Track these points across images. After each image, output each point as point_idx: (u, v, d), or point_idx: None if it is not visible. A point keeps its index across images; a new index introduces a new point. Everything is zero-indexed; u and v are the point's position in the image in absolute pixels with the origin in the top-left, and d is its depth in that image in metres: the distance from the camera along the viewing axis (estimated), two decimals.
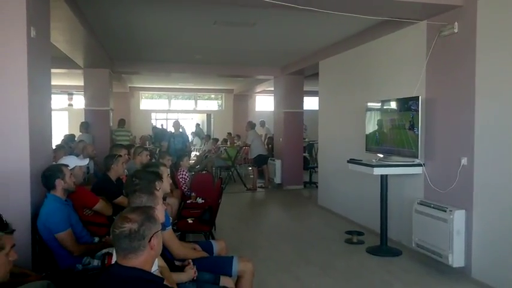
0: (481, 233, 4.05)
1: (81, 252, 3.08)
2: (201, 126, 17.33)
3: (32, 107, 3.21)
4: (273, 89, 11.03)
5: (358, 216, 6.39)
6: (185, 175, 6.10)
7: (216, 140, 13.67)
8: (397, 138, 4.96)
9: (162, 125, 16.69)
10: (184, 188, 5.95)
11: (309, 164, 10.74)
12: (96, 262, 3.04)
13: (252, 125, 10.18)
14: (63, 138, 9.84)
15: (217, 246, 3.41)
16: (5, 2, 3.10)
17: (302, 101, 10.17)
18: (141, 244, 1.70)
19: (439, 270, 4.41)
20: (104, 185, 4.26)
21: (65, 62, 7.86)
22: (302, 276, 4.36)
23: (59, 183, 3.17)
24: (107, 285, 1.75)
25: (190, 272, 2.66)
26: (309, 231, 6.22)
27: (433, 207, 4.42)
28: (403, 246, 5.15)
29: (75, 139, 8.56)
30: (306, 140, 11.78)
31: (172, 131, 9.81)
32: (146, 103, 17.47)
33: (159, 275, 2.07)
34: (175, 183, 5.72)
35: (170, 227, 3.00)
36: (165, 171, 3.35)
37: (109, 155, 4.68)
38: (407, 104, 4.74)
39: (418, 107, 4.56)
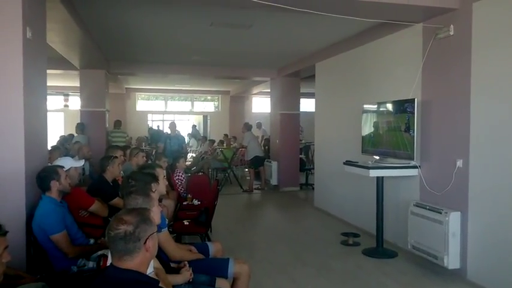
0: (477, 234, 4.06)
1: (76, 254, 3.06)
2: (197, 128, 17.30)
3: (28, 108, 3.19)
4: (269, 90, 11.03)
5: (354, 218, 6.40)
6: (181, 177, 6.09)
7: (213, 141, 13.65)
8: (393, 140, 4.98)
9: (158, 126, 16.66)
10: (181, 189, 5.94)
11: (305, 165, 10.75)
12: (91, 264, 3.02)
13: (248, 127, 10.17)
14: (58, 139, 9.82)
15: (213, 248, 3.40)
16: (0, 3, 3.08)
17: (298, 103, 10.19)
18: (137, 246, 1.70)
19: (435, 272, 4.42)
20: (100, 186, 4.24)
21: (61, 63, 7.84)
22: (298, 277, 4.36)
23: (54, 185, 3.15)
24: (102, 287, 1.74)
25: (186, 274, 2.66)
26: (305, 232, 6.22)
27: (429, 209, 4.44)
28: (398, 248, 5.16)
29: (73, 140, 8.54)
30: (303, 141, 11.80)
31: (169, 132, 9.80)
32: (142, 104, 17.44)
33: (155, 277, 2.06)
34: (171, 185, 5.71)
35: (166, 228, 2.99)
36: (161, 173, 3.35)
37: (105, 157, 4.66)
38: (403, 106, 4.76)
39: (413, 109, 4.57)
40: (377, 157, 5.30)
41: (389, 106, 5.12)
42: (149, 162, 6.35)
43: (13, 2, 3.09)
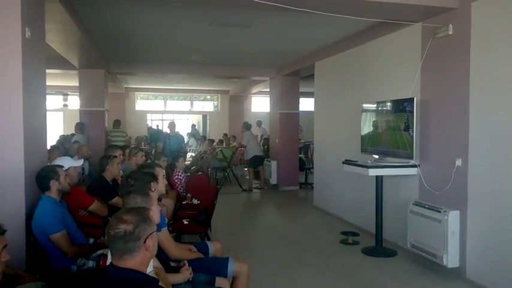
0: (476, 233, 4.07)
1: (76, 254, 3.06)
2: (196, 127, 17.30)
3: (27, 107, 3.20)
4: (268, 90, 11.03)
5: (354, 217, 6.40)
6: (181, 176, 6.09)
7: (212, 141, 13.65)
8: (392, 139, 4.98)
9: (157, 126, 16.66)
10: (180, 189, 5.94)
11: (305, 165, 10.76)
12: (91, 263, 3.03)
13: (247, 126, 10.17)
14: (58, 138, 9.82)
15: (213, 247, 3.41)
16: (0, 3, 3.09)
17: (298, 102, 10.19)
18: (136, 245, 1.70)
19: (434, 271, 4.43)
20: (99, 185, 4.24)
21: (60, 63, 7.84)
22: (297, 276, 4.37)
23: (54, 184, 3.15)
24: (101, 286, 1.74)
25: (186, 273, 2.66)
26: (305, 231, 6.23)
27: (428, 208, 4.44)
28: (398, 247, 5.17)
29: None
30: (302, 141, 11.80)
31: (168, 131, 9.80)
32: (142, 104, 17.43)
33: (155, 276, 2.07)
34: (170, 184, 5.71)
35: (166, 227, 2.99)
36: (160, 172, 3.34)
37: (104, 156, 4.66)
38: (402, 106, 4.77)
39: (413, 108, 4.58)
40: (376, 156, 5.31)
41: (389, 105, 5.12)
42: (148, 161, 6.35)
43: (12, 2, 3.09)
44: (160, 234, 2.66)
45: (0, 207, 3.01)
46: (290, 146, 9.95)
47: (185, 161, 8.20)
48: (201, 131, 17.69)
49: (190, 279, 2.68)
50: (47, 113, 3.91)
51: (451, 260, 4.18)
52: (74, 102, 14.61)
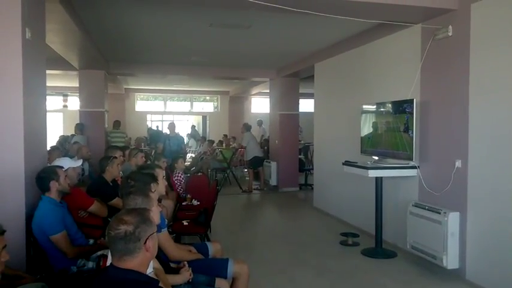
0: (475, 234, 4.07)
1: (76, 254, 3.06)
2: (196, 128, 17.30)
3: (27, 108, 3.20)
4: (268, 91, 11.05)
5: (353, 218, 6.40)
6: (180, 177, 6.09)
7: (212, 141, 13.65)
8: (392, 140, 4.98)
9: (157, 127, 16.66)
10: (180, 190, 5.94)
11: (305, 166, 10.76)
12: (91, 264, 3.02)
13: (247, 127, 10.18)
14: (58, 139, 9.82)
15: (213, 248, 3.41)
16: (0, 4, 3.09)
17: (298, 103, 10.20)
18: (137, 246, 1.70)
19: (434, 272, 4.43)
20: (99, 186, 4.24)
21: (60, 64, 7.84)
22: (297, 278, 4.37)
23: (54, 185, 3.16)
24: (102, 287, 1.75)
25: (186, 274, 2.66)
26: (304, 233, 6.23)
27: (428, 209, 4.44)
28: (398, 248, 5.17)
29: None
30: (302, 142, 11.81)
31: (168, 132, 9.80)
32: (142, 105, 17.43)
33: (154, 277, 2.07)
34: (170, 186, 5.71)
35: (166, 228, 3.00)
36: (160, 173, 3.35)
37: (104, 157, 4.66)
38: (402, 107, 4.77)
39: (412, 110, 4.58)
40: (376, 157, 5.31)
41: (388, 106, 5.12)
42: (148, 162, 6.35)
43: (12, 3, 3.09)
44: (160, 235, 2.66)
45: (0, 207, 3.01)
46: (290, 147, 9.95)
47: (185, 162, 8.20)
48: (201, 132, 17.69)
49: (190, 280, 2.68)
50: (47, 113, 3.92)
51: (450, 261, 4.18)
52: (74, 103, 14.61)
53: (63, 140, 9.64)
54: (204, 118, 18.39)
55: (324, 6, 4.16)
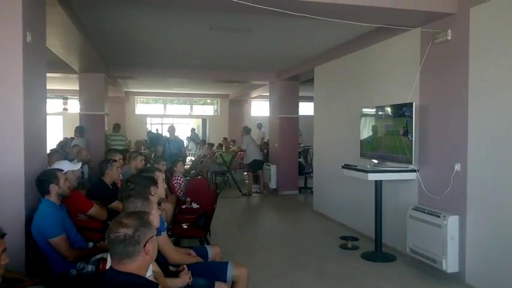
0: (475, 238, 4.07)
1: (75, 258, 3.06)
2: (196, 131, 17.31)
3: (27, 111, 3.21)
4: (268, 94, 11.06)
5: (353, 221, 6.40)
6: (180, 180, 6.09)
7: (212, 145, 13.65)
8: (392, 144, 4.99)
9: (157, 130, 16.66)
10: (179, 193, 5.94)
11: (304, 169, 10.74)
12: (90, 267, 3.03)
13: (247, 130, 10.17)
14: (58, 142, 9.83)
15: (212, 252, 3.40)
16: (0, 7, 3.10)
17: (297, 107, 10.21)
18: (136, 249, 1.70)
19: (433, 276, 4.42)
20: (99, 189, 4.25)
21: (61, 67, 7.86)
22: (297, 281, 4.36)
23: (53, 188, 3.16)
24: None
25: (185, 278, 2.66)
26: (304, 236, 6.22)
27: (427, 213, 4.44)
28: (397, 252, 5.16)
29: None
30: (301, 145, 11.81)
31: (168, 135, 9.81)
32: (141, 108, 17.44)
33: (154, 280, 2.07)
34: (170, 189, 5.71)
35: (165, 232, 2.99)
36: (160, 177, 3.35)
37: (104, 160, 4.67)
38: (402, 110, 4.78)
39: (412, 113, 4.59)
40: (375, 161, 5.31)
41: (388, 110, 5.13)
42: (148, 165, 6.35)
43: (13, 6, 3.11)
44: (160, 238, 2.66)
45: (0, 210, 3.01)
46: (289, 150, 9.96)
47: (184, 165, 8.21)
48: (200, 135, 17.69)
49: (190, 283, 2.68)
50: (47, 116, 3.92)
51: (450, 264, 4.18)
52: (74, 106, 14.63)
53: (63, 142, 9.65)
54: (204, 121, 18.39)
55: (323, 10, 4.17)
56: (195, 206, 5.50)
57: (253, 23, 5.65)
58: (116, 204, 3.96)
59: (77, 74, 8.74)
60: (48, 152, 4.76)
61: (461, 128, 4.17)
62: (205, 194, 5.70)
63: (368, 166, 5.14)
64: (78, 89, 8.99)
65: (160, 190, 3.06)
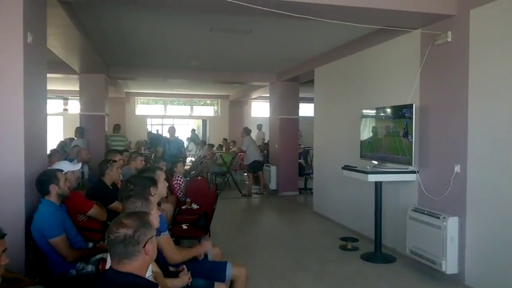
0: (475, 239, 4.07)
1: (75, 258, 3.06)
2: (196, 132, 17.32)
3: (28, 111, 3.21)
4: (268, 95, 11.07)
5: (353, 222, 6.40)
6: (180, 181, 6.10)
7: (212, 145, 13.66)
8: (392, 145, 5.00)
9: (157, 131, 16.66)
10: (179, 193, 5.94)
11: (304, 170, 10.75)
12: (90, 267, 3.03)
13: (247, 131, 10.18)
14: (59, 143, 9.82)
15: (212, 253, 3.40)
16: (1, 8, 3.11)
17: (297, 108, 10.22)
18: (136, 249, 1.71)
19: (433, 277, 4.42)
20: (99, 190, 4.25)
21: (61, 67, 7.87)
22: (296, 282, 4.36)
23: (53, 189, 3.16)
24: None
25: (185, 278, 2.66)
26: (304, 237, 6.22)
27: (427, 214, 4.45)
28: (397, 253, 5.16)
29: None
30: (302, 146, 11.81)
31: (168, 136, 9.81)
32: (142, 108, 17.45)
33: (153, 280, 2.07)
34: (170, 189, 5.71)
35: (167, 232, 2.99)
36: (162, 175, 3.35)
37: (104, 160, 4.67)
38: (402, 112, 4.78)
39: (412, 115, 4.60)
40: (375, 162, 5.31)
41: (388, 111, 5.14)
42: (148, 166, 6.35)
43: (14, 7, 3.12)
44: (161, 238, 2.66)
45: (0, 210, 3.01)
46: (290, 151, 9.96)
47: (185, 166, 8.21)
48: (200, 135, 17.70)
49: (189, 284, 2.68)
50: (47, 117, 3.93)
51: (449, 266, 4.18)
52: (74, 106, 14.63)
53: (63, 143, 9.65)
54: (204, 122, 18.40)
55: (323, 12, 4.17)
56: (195, 206, 5.50)
57: (254, 25, 5.65)
58: (116, 205, 3.96)
59: (77, 75, 8.75)
60: (48, 152, 4.78)
61: (461, 130, 4.18)
62: (205, 195, 5.70)
63: (368, 167, 5.14)
64: (78, 89, 9.00)
65: (161, 188, 3.06)
